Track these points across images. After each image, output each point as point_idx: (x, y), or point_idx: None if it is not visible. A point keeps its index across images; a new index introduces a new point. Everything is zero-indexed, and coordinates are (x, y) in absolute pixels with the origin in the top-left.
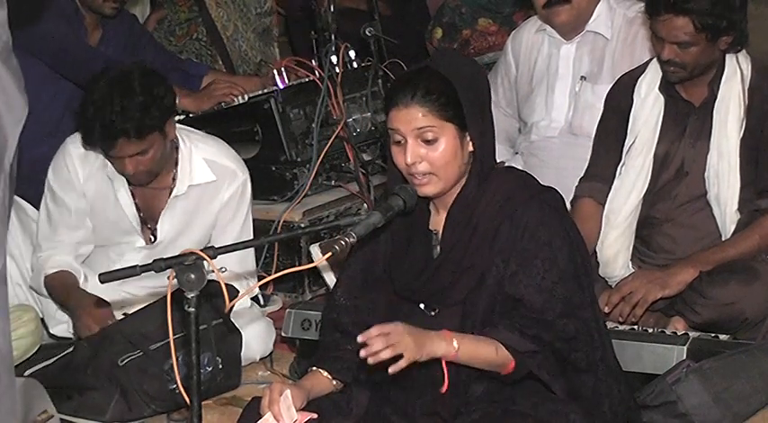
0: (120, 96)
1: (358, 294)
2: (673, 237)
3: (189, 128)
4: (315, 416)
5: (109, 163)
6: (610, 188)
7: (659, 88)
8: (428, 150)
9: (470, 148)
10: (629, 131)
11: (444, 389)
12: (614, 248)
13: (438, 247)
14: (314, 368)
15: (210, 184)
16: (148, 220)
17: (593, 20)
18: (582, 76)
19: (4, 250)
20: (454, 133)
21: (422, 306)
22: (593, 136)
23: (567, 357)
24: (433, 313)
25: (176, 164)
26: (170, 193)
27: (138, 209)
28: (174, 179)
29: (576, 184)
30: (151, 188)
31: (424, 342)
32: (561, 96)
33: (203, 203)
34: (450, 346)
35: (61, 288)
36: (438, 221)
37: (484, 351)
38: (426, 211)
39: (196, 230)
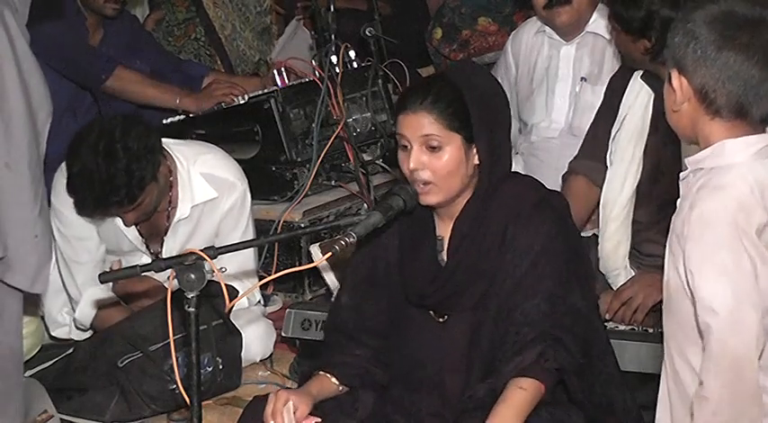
0: (104, 169)
1: (362, 298)
2: (660, 243)
3: (181, 141)
4: (318, 420)
5: None
6: (604, 169)
7: (642, 77)
8: (431, 159)
9: (476, 161)
10: (617, 117)
11: None
12: (614, 240)
13: (444, 254)
14: (320, 373)
15: (211, 200)
16: (151, 241)
17: (592, 21)
18: (582, 78)
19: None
20: (459, 144)
21: (431, 313)
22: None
23: (579, 360)
24: (441, 320)
25: (171, 187)
26: (169, 214)
27: (140, 233)
28: (170, 201)
29: (571, 160)
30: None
31: None
32: (561, 98)
33: (204, 218)
34: None
35: (109, 315)
36: (444, 228)
37: (526, 409)
38: (431, 218)
39: (199, 243)
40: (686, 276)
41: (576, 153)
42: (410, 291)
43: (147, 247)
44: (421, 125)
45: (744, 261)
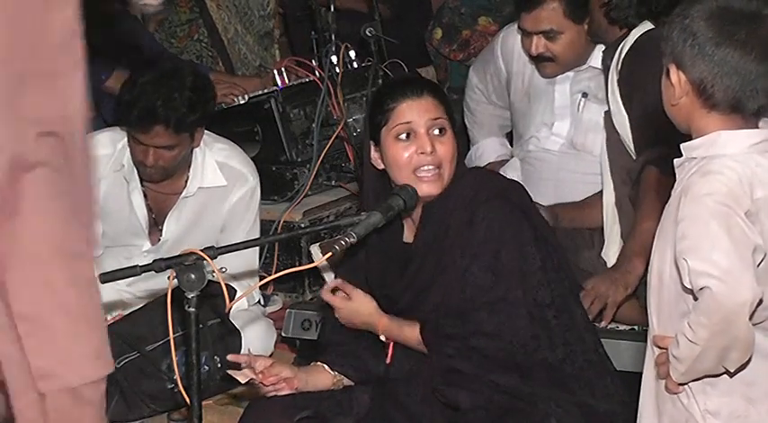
0: (170, 87)
1: None
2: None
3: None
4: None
5: (124, 164)
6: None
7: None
8: (438, 142)
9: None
10: None
11: (388, 361)
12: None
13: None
14: (314, 363)
15: (220, 187)
16: (158, 223)
17: (594, 56)
18: (584, 93)
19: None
20: (453, 130)
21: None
22: None
23: (488, 354)
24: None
25: (189, 166)
26: (181, 194)
27: (149, 210)
28: (186, 183)
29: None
30: (164, 193)
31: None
32: (562, 117)
33: (211, 205)
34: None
35: None
36: (411, 234)
37: (406, 336)
38: (400, 227)
39: (202, 232)
40: (675, 261)
41: None
42: (383, 298)
43: (155, 222)
44: (428, 108)
45: (735, 230)
